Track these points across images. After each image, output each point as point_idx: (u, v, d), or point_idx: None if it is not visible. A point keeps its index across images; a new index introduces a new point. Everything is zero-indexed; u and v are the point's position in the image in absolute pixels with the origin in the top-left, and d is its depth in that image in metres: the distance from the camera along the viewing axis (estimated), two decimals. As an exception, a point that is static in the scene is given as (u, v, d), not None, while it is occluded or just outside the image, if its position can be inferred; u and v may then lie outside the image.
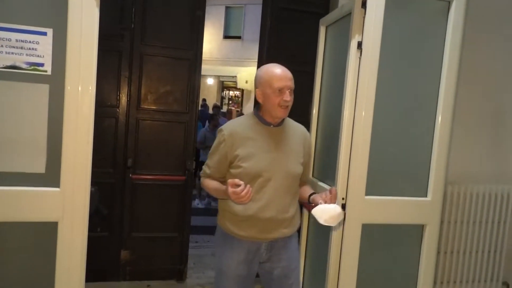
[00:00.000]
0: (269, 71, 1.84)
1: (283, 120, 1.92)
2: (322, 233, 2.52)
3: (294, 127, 1.99)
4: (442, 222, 3.08)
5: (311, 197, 1.88)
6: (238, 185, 1.63)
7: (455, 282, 3.19)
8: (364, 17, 2.25)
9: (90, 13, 1.90)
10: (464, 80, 3.00)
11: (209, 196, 7.00)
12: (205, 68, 3.39)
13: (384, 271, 2.47)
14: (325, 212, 1.71)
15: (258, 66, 3.57)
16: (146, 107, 3.24)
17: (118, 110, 3.18)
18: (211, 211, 6.44)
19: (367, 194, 2.29)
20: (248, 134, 1.85)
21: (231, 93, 17.17)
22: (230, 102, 16.88)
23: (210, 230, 5.28)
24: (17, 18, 1.82)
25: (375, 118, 2.30)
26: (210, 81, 15.85)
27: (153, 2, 3.17)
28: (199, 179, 7.08)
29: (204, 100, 12.50)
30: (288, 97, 1.80)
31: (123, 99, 3.19)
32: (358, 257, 2.33)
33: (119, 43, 3.14)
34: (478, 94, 3.19)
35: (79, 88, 1.90)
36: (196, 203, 6.70)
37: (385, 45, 2.27)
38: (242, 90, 15.59)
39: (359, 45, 2.26)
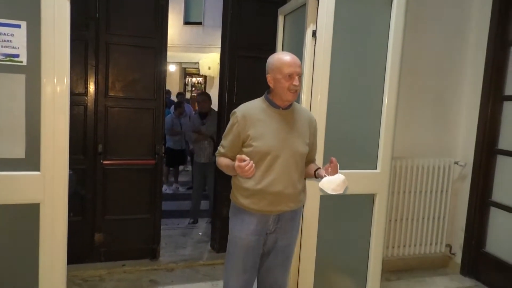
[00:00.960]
0: (279, 58, 1.99)
1: (291, 104, 2.07)
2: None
3: (301, 110, 2.16)
4: (392, 193, 3.43)
5: (316, 172, 2.07)
6: (244, 160, 1.81)
7: (404, 246, 3.55)
8: (317, 8, 2.47)
9: (62, 6, 2.01)
10: (408, 63, 3.31)
11: (176, 182, 7.15)
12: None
13: (341, 236, 2.76)
14: (331, 183, 1.88)
15: (222, 54, 3.75)
16: (114, 94, 3.34)
17: (86, 98, 3.26)
18: (179, 196, 6.60)
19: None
20: (259, 116, 2.01)
21: (193, 79, 17.10)
22: (193, 88, 16.82)
23: (178, 213, 5.47)
24: (-9, 12, 1.91)
25: (330, 100, 2.55)
26: (172, 68, 15.69)
27: (116, -9, 3.26)
28: (166, 166, 7.15)
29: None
30: (297, 82, 1.96)
31: (91, 88, 3.27)
32: (317, 225, 2.60)
33: (84, 33, 3.20)
34: (421, 76, 3.51)
35: (55, 81, 2.02)
36: (164, 189, 6.82)
37: (337, 33, 2.52)
38: (205, 77, 15.56)
39: (314, 33, 2.49)
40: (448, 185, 3.61)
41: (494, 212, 3.44)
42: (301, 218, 2.23)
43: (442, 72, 3.57)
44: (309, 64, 2.51)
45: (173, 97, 9.64)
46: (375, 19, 2.64)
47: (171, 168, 7.15)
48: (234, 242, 2.10)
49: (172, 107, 7.10)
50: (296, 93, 2.01)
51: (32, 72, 2.00)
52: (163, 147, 3.51)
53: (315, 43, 2.48)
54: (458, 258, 3.69)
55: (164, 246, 3.89)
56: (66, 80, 2.05)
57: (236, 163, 1.82)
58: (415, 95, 3.49)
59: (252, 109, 2.04)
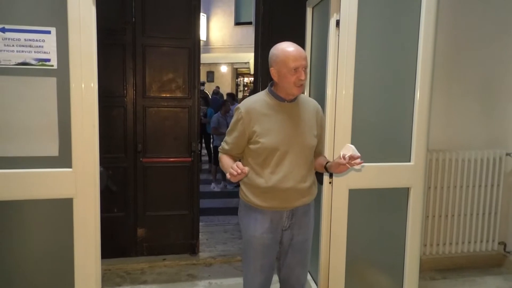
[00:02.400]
0: (283, 51, 1.88)
1: (296, 96, 1.99)
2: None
3: (307, 101, 2.08)
4: (435, 187, 3.24)
5: (328, 164, 2.00)
6: (242, 170, 1.72)
7: (451, 243, 3.33)
8: (340, -5, 2.39)
9: (87, 10, 2.12)
10: (450, 50, 3.12)
11: (224, 179, 7.27)
12: (218, 56, 3.59)
13: (373, 232, 2.65)
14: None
15: (255, 50, 3.76)
16: (151, 95, 3.47)
17: (125, 99, 3.43)
18: (226, 194, 6.71)
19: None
20: (264, 110, 1.94)
21: (246, 80, 17.30)
22: (246, 88, 17.00)
23: (225, 211, 5.57)
24: (24, 20, 2.07)
25: (358, 91, 2.46)
26: (223, 68, 16.01)
27: (151, -5, 3.39)
28: (214, 164, 7.25)
29: (217, 87, 12.73)
30: (303, 76, 1.87)
31: (130, 89, 3.43)
32: (346, 219, 2.53)
33: (122, 37, 3.37)
34: (467, 63, 3.28)
35: (82, 85, 2.14)
36: (212, 187, 6.99)
37: (363, 22, 2.42)
38: (256, 76, 15.65)
39: (337, 23, 2.41)
40: (500, 179, 3.35)
41: (553, 207, 3.14)
42: (314, 212, 2.15)
43: (490, 57, 3.31)
44: (333, 56, 2.44)
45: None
46: (404, 4, 2.51)
47: (218, 166, 7.29)
48: (249, 242, 2.03)
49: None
50: (302, 86, 1.93)
51: (62, 75, 2.13)
52: (201, 145, 3.57)
53: (339, 33, 2.40)
54: (514, 257, 3.41)
55: (205, 241, 3.99)
56: (93, 84, 2.17)
57: (234, 167, 1.73)
58: (458, 83, 3.28)
59: (256, 103, 1.97)
